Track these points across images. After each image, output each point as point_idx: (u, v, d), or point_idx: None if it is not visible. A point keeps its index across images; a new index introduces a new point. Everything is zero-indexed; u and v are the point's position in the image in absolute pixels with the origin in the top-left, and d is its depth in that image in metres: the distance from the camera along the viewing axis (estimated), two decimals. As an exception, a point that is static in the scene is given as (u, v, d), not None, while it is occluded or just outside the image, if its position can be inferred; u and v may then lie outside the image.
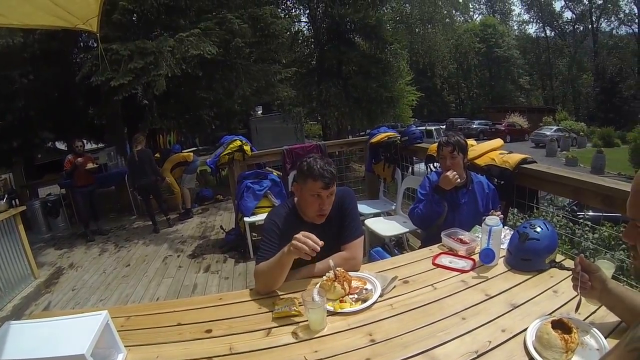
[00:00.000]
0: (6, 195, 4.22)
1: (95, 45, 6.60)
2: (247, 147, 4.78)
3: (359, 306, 1.47)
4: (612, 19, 40.44)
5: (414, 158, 4.36)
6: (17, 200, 4.71)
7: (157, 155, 7.38)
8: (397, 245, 4.00)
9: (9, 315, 3.89)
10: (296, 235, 1.52)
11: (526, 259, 1.62)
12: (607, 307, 1.23)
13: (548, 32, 44.48)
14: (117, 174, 8.00)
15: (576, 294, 1.23)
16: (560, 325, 1.13)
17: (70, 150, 6.45)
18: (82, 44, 8.16)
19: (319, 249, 1.50)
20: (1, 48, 6.15)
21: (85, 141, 5.87)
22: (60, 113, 8.68)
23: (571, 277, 1.27)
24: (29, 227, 6.13)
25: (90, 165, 6.08)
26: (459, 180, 2.32)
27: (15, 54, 6.57)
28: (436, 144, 3.52)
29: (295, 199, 1.89)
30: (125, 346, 1.31)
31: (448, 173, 2.30)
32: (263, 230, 1.85)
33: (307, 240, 1.49)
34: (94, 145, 13.29)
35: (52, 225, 7.12)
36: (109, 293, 4.20)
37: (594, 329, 1.17)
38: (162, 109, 7.82)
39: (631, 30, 39.62)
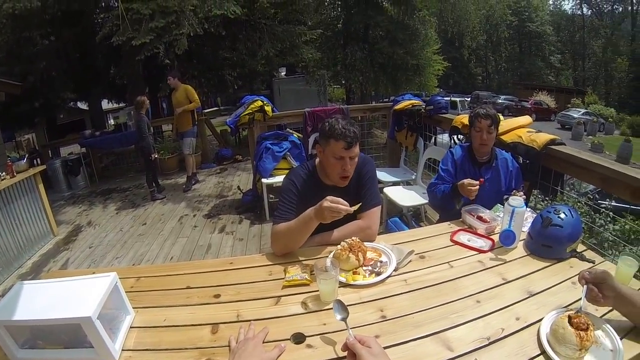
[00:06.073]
0: (26, 155, 4.28)
1: (116, 4, 6.52)
2: (268, 108, 4.71)
3: (372, 279, 1.43)
4: (654, 2, 37.71)
5: (438, 128, 4.24)
6: (38, 159, 4.80)
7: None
8: (414, 217, 3.94)
9: (28, 272, 4.02)
10: (327, 201, 1.49)
11: (547, 245, 1.55)
12: (622, 314, 1.15)
13: (585, 10, 41.62)
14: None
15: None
16: (577, 321, 1.07)
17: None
18: (102, 4, 8.07)
19: (352, 211, 1.50)
20: (20, 11, 6.05)
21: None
22: (82, 73, 8.74)
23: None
24: (50, 186, 6.28)
25: None
26: (474, 196, 2.09)
27: (35, 15, 6.46)
28: (461, 115, 3.41)
29: (317, 160, 1.84)
30: (133, 307, 1.31)
31: (471, 187, 2.06)
32: (281, 191, 1.80)
33: (339, 206, 1.47)
34: (115, 105, 13.43)
35: (72, 183, 7.27)
36: (125, 251, 4.30)
37: (610, 328, 1.11)
38: (184, 69, 7.76)
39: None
